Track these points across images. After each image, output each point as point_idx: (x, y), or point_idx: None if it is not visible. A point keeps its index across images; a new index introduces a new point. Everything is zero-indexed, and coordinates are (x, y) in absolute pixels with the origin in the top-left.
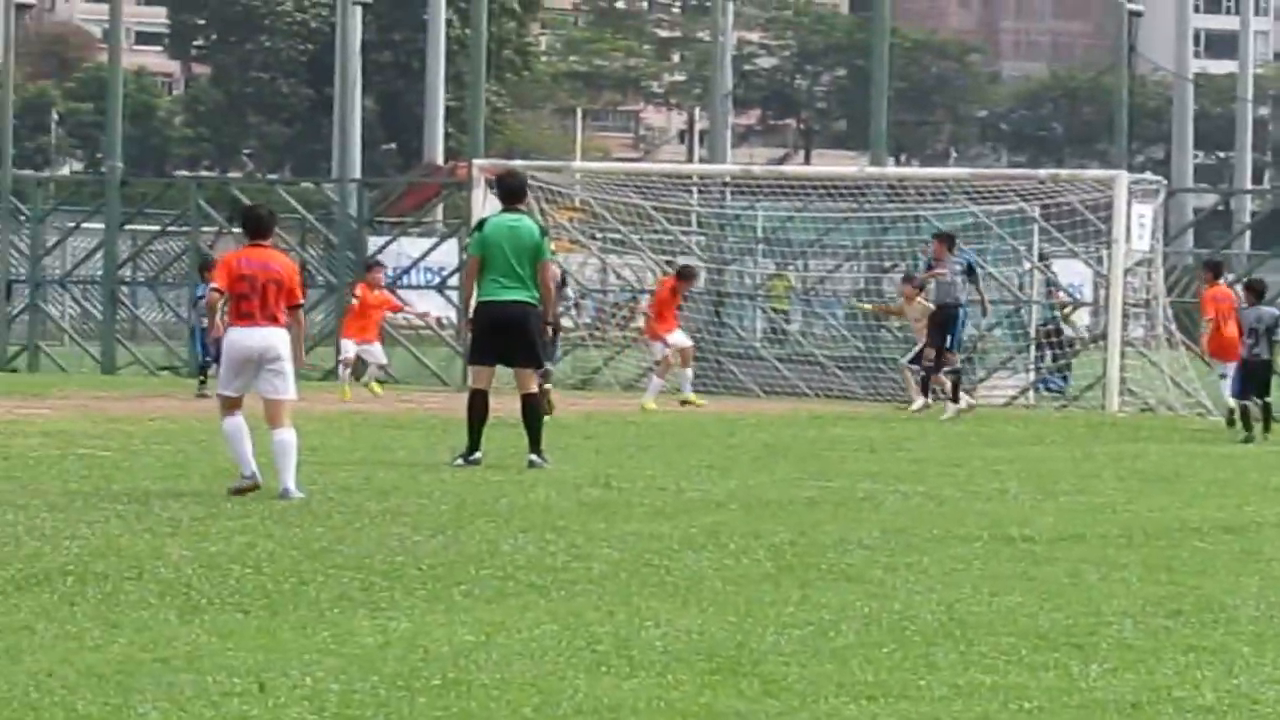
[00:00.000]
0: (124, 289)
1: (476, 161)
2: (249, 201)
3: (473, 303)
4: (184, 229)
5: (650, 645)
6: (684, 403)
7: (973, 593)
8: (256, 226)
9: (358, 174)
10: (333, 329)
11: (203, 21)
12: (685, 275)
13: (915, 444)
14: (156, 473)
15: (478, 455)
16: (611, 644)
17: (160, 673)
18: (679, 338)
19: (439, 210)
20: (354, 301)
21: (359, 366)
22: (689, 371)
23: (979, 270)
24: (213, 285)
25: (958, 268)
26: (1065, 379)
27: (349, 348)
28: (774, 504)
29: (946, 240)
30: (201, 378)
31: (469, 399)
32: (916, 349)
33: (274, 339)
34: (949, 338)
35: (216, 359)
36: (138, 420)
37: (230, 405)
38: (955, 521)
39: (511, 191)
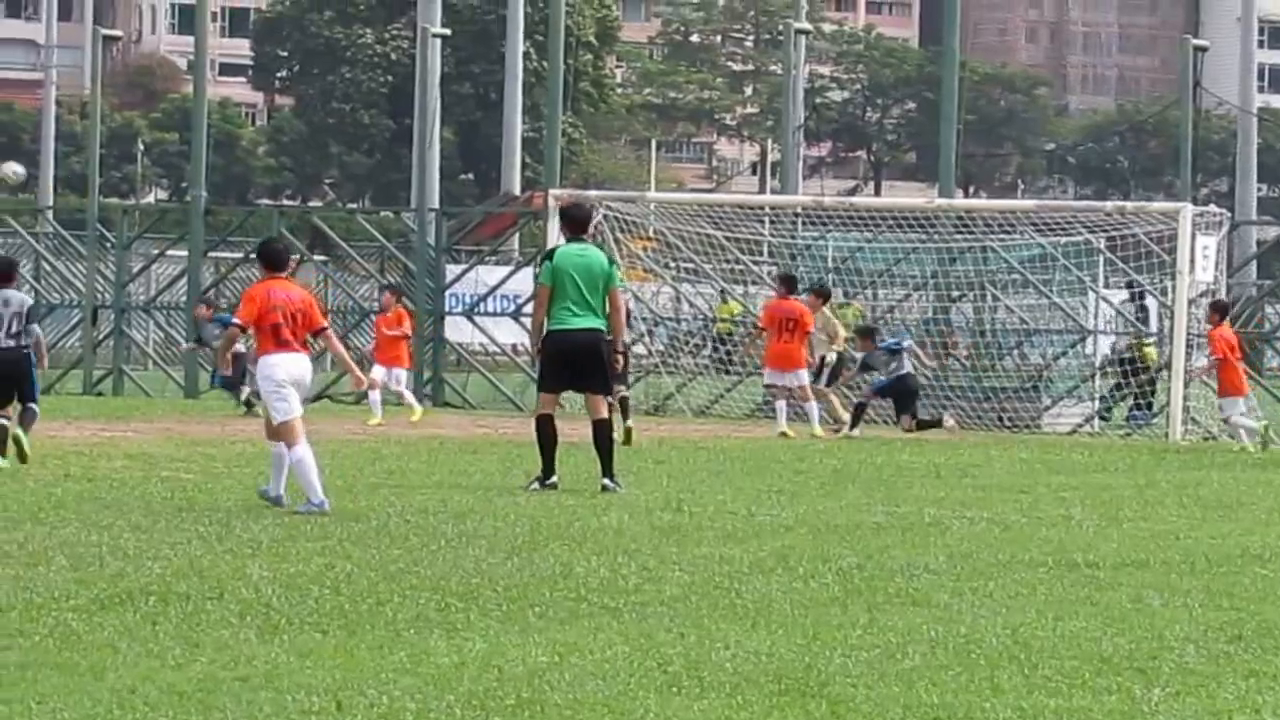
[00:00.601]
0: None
1: (553, 191)
2: (327, 230)
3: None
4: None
5: (720, 666)
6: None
7: (1037, 617)
8: (276, 260)
9: (436, 203)
10: (414, 353)
11: (285, 53)
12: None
13: (981, 470)
14: (237, 495)
15: (554, 479)
16: (682, 665)
17: (240, 691)
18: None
19: (515, 239)
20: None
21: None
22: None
23: (903, 348)
24: (237, 320)
25: (883, 356)
26: (1149, 406)
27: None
28: (842, 529)
29: (868, 334)
30: (244, 404)
31: (537, 425)
32: (823, 370)
33: (309, 365)
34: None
35: (225, 386)
36: (219, 443)
37: (295, 432)
38: (1020, 547)
39: (578, 221)
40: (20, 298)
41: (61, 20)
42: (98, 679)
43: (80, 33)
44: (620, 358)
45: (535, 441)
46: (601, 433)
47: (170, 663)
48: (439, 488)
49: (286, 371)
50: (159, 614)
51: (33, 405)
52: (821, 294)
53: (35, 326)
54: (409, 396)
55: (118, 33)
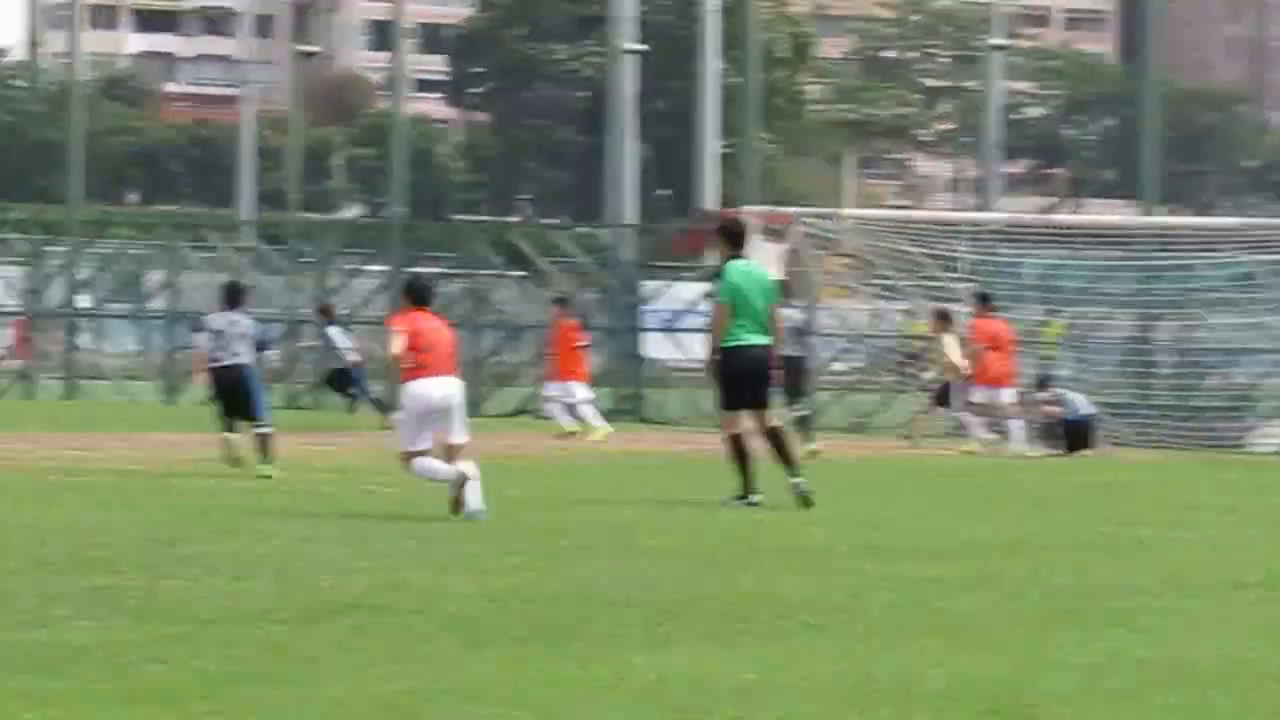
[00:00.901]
0: None
1: (749, 208)
2: (524, 247)
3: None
4: (463, 272)
5: (926, 685)
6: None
7: (1249, 639)
8: (422, 295)
9: (633, 219)
10: (607, 370)
11: (482, 70)
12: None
13: (1187, 490)
14: (440, 509)
15: (755, 497)
16: (888, 683)
17: (446, 705)
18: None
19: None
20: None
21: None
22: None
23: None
24: (399, 327)
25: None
26: None
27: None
28: (1049, 547)
29: (1042, 384)
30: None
31: (732, 444)
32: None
33: (455, 387)
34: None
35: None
36: None
37: (416, 457)
38: (1231, 567)
39: (739, 237)
40: (248, 322)
41: (259, 37)
42: (305, 691)
43: (277, 49)
44: (776, 373)
45: (731, 460)
46: (777, 438)
47: (376, 676)
48: (640, 503)
49: (428, 401)
50: (364, 627)
51: (264, 427)
52: (944, 318)
53: (269, 354)
54: (589, 413)
55: (315, 49)
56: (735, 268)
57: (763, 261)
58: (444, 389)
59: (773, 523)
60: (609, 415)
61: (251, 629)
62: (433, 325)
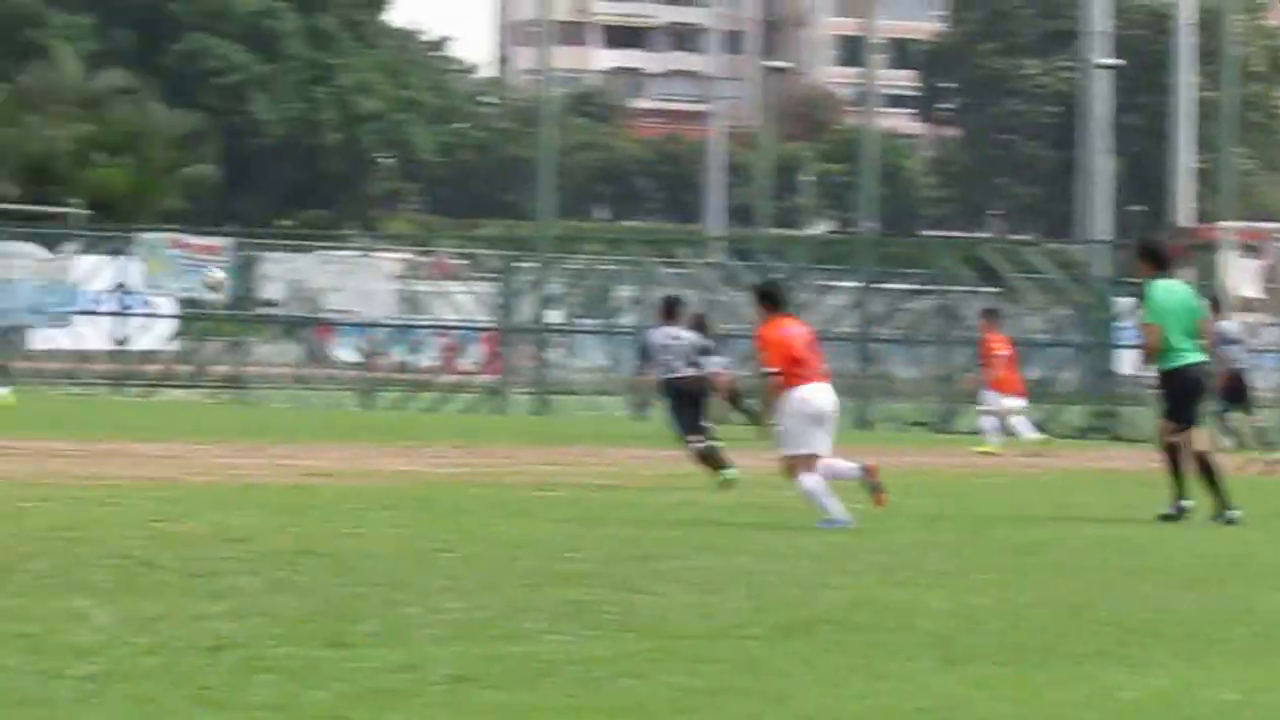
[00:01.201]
0: (878, 346)
1: (1225, 224)
2: (995, 262)
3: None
4: (933, 288)
5: None
6: None
7: None
8: (781, 300)
9: (1106, 235)
10: (1082, 388)
11: (952, 85)
12: None
13: None
14: (910, 525)
15: (1187, 503)
16: None
17: None
18: None
19: (1191, 272)
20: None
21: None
22: None
23: None
24: (774, 369)
25: None
26: None
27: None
28: None
29: None
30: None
31: (1168, 453)
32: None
33: (833, 394)
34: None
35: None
36: (891, 474)
37: (807, 463)
38: None
39: (1161, 257)
40: (690, 337)
41: (728, 53)
42: (779, 705)
43: (746, 65)
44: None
45: (1202, 479)
46: (1204, 465)
47: (850, 692)
48: (1111, 521)
49: (815, 407)
50: (837, 643)
51: (712, 440)
52: None
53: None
54: (987, 424)
55: (784, 64)
56: (1159, 287)
57: (1241, 277)
58: (827, 395)
59: (1246, 539)
60: (1083, 433)
61: (724, 644)
62: (801, 331)
